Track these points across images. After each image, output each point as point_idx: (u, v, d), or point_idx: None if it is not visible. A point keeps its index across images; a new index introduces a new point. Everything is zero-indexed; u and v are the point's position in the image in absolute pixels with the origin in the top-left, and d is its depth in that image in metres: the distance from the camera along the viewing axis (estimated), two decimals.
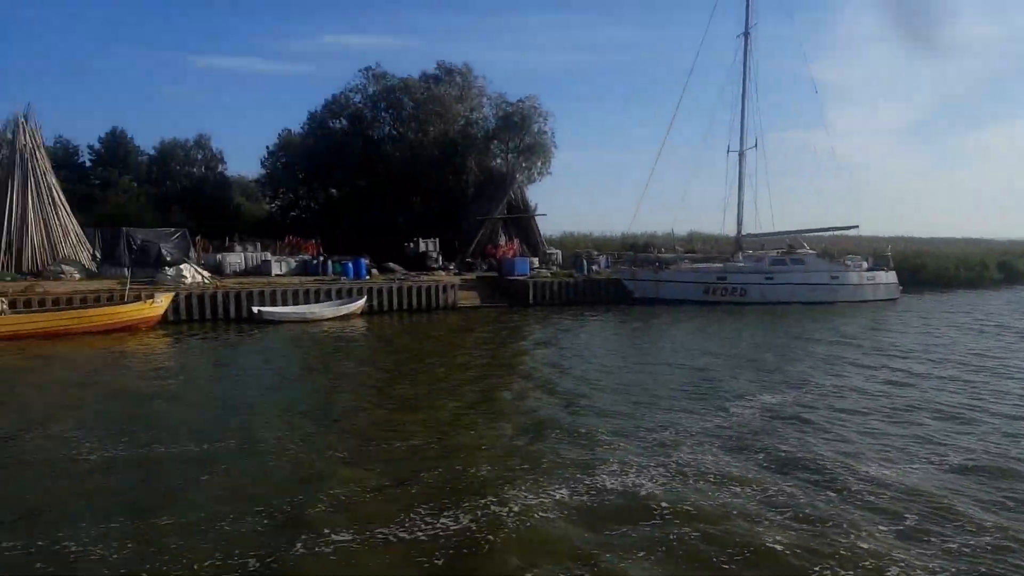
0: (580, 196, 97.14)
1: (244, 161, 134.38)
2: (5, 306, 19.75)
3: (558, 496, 7.65)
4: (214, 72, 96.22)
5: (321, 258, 32.09)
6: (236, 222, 42.10)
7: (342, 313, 24.58)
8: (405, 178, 43.39)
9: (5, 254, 28.08)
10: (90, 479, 8.32)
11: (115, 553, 6.33)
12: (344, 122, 46.60)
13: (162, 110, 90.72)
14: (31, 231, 28.75)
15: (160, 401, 12.32)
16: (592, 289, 30.95)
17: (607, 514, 7.21)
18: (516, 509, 7.25)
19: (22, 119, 29.99)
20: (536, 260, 36.17)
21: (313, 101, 61.86)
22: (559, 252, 39.57)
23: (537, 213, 41.28)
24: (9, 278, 26.03)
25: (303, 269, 31.57)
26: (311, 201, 48.74)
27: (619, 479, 8.14)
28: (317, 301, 25.34)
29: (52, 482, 8.24)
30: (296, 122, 52.68)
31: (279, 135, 50.22)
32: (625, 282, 31.22)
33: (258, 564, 6.12)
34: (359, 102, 46.55)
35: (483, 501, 7.46)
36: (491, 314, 26.51)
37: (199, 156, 51.36)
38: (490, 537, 6.65)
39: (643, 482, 8.07)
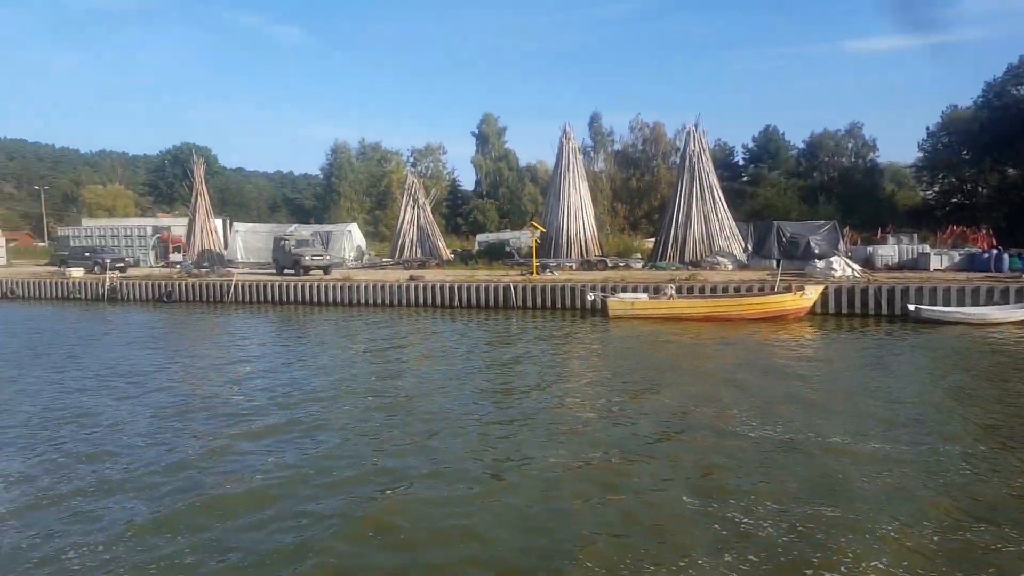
0: None
1: (896, 146, 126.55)
2: (673, 292, 22.54)
3: None
4: (865, 57, 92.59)
5: (994, 251, 27.73)
6: (887, 211, 39.28)
7: (1022, 317, 19.73)
8: None
9: (672, 246, 32.50)
10: (752, 455, 8.71)
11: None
12: None
13: (813, 103, 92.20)
14: (693, 226, 32.47)
15: (803, 391, 12.15)
16: None
17: None
18: None
19: (692, 127, 34.07)
20: None
21: (991, 69, 52.90)
22: None
23: None
24: (675, 267, 30.03)
25: (970, 264, 27.72)
26: (979, 184, 41.78)
27: None
28: (989, 301, 21.02)
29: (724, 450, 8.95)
30: (966, 96, 46.25)
31: (942, 113, 44.99)
32: None
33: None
34: None
35: None
36: None
37: (849, 145, 49.90)
38: None
39: None
